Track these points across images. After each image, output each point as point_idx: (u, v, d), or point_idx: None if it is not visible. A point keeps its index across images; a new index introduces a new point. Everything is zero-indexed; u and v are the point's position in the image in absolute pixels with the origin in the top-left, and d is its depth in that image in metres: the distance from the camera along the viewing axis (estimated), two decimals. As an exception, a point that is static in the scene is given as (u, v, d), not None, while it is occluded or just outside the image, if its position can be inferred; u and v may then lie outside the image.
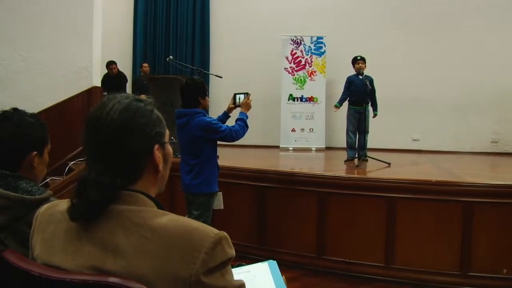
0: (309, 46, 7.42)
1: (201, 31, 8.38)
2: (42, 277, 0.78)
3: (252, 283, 1.15)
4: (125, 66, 8.06)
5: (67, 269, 0.80)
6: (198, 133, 2.82)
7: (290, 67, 7.44)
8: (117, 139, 0.84)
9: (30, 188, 1.28)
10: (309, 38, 7.42)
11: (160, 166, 0.91)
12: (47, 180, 4.89)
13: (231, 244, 0.82)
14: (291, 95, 7.39)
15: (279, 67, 7.47)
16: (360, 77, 5.11)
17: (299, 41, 7.44)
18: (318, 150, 7.11)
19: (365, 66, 5.20)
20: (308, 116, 7.31)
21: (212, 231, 0.80)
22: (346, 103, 5.30)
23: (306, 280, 3.28)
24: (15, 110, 1.37)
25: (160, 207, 0.88)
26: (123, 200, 0.83)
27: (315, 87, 7.34)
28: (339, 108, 5.29)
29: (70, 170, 5.35)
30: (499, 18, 6.87)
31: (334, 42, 7.34)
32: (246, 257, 3.40)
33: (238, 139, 2.94)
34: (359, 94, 5.04)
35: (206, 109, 3.02)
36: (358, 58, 5.20)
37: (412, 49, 7.23)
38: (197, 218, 2.77)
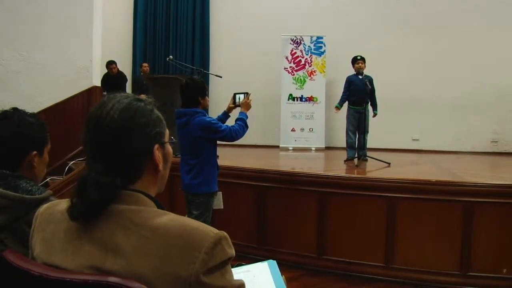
0: (309, 46, 7.42)
1: (201, 31, 8.38)
2: (42, 276, 0.78)
3: (252, 283, 1.15)
4: (125, 66, 8.06)
5: (67, 268, 0.80)
6: (198, 133, 2.82)
7: (290, 67, 7.44)
8: (117, 139, 0.84)
9: (30, 188, 1.28)
10: (309, 38, 7.42)
11: (160, 166, 0.91)
12: (47, 179, 4.89)
13: (231, 244, 0.82)
14: (291, 95, 7.39)
15: (279, 67, 7.47)
16: (360, 77, 5.11)
17: (299, 41, 7.44)
18: (318, 150, 7.11)
19: (365, 66, 5.20)
20: (308, 116, 7.31)
21: (212, 231, 0.80)
22: (346, 103, 5.30)
23: (306, 280, 3.28)
24: (15, 109, 1.37)
25: (160, 206, 0.88)
26: (123, 200, 0.83)
27: (315, 87, 7.34)
28: (339, 109, 5.29)
29: (70, 169, 5.35)
30: (499, 18, 6.87)
31: (334, 42, 7.34)
32: (246, 257, 3.40)
33: (238, 139, 2.94)
34: (359, 94, 5.04)
35: (206, 109, 3.02)
36: (358, 58, 5.20)
37: (412, 49, 7.23)
38: (197, 218, 2.77)
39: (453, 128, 7.11)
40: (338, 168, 4.66)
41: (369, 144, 5.26)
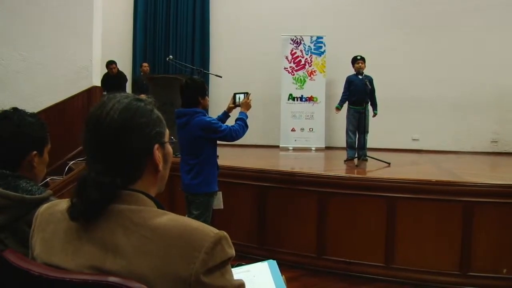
0: (309, 46, 7.42)
1: (201, 31, 8.38)
2: (42, 276, 0.78)
3: (252, 283, 1.15)
4: (125, 66, 8.06)
5: (67, 268, 0.80)
6: (198, 132, 2.82)
7: (290, 66, 7.44)
8: (117, 138, 0.84)
9: (30, 188, 1.28)
10: (309, 37, 7.42)
11: (160, 166, 0.91)
12: (47, 179, 4.89)
13: (231, 243, 0.82)
14: (291, 94, 7.39)
15: (279, 67, 7.47)
16: (360, 76, 5.11)
17: (299, 41, 7.44)
18: (318, 149, 7.11)
19: (365, 66, 5.20)
20: (308, 115, 7.31)
21: (212, 230, 0.80)
22: (346, 103, 5.29)
23: (306, 280, 3.28)
24: (15, 109, 1.37)
25: (160, 206, 0.88)
26: (123, 200, 0.83)
27: (315, 87, 7.34)
28: (340, 110, 5.29)
29: (70, 169, 5.35)
30: (499, 18, 6.87)
31: (334, 42, 7.34)
32: (246, 257, 3.40)
33: (238, 138, 2.93)
34: (359, 94, 5.04)
35: (206, 109, 3.02)
36: (358, 58, 5.20)
37: (412, 49, 7.23)
38: (197, 217, 2.77)
39: (453, 128, 7.11)
40: (338, 168, 4.66)
41: (369, 144, 5.26)
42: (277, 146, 7.30)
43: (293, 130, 7.31)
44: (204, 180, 2.88)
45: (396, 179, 3.39)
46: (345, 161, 5.01)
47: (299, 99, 7.38)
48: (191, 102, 2.87)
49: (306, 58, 7.42)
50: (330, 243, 3.46)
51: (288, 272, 3.02)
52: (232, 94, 3.17)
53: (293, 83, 7.41)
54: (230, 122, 3.05)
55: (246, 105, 3.06)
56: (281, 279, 1.20)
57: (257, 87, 7.07)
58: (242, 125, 2.95)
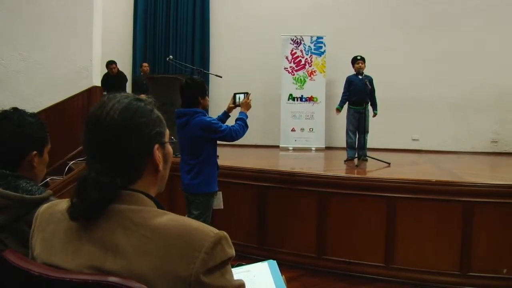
0: (309, 46, 7.42)
1: (201, 31, 8.38)
2: (42, 276, 0.78)
3: (252, 283, 1.15)
4: (125, 66, 8.06)
5: (67, 268, 0.80)
6: (198, 132, 2.82)
7: (290, 67, 7.44)
8: (117, 138, 0.84)
9: (30, 188, 1.28)
10: (309, 38, 7.42)
11: (160, 166, 0.91)
12: (47, 179, 4.89)
13: (231, 243, 0.82)
14: (291, 94, 7.39)
15: (279, 67, 7.47)
16: (360, 77, 5.11)
17: (299, 41, 7.44)
18: (318, 150, 7.11)
19: (365, 66, 5.20)
20: (308, 116, 7.31)
21: (212, 230, 0.80)
22: (346, 103, 5.29)
23: (306, 280, 3.28)
24: (15, 109, 1.37)
25: (160, 206, 0.88)
26: (123, 200, 0.83)
27: (315, 87, 7.34)
28: (340, 111, 5.29)
29: (70, 169, 5.35)
30: (499, 18, 6.87)
31: (334, 42, 7.35)
32: (246, 257, 3.40)
33: (238, 138, 2.94)
34: (359, 94, 5.04)
35: (206, 109, 3.02)
36: (358, 58, 5.20)
37: (412, 49, 7.23)
38: (197, 217, 2.77)
39: (453, 128, 7.11)
40: (338, 168, 4.66)
41: (369, 144, 5.26)
42: (277, 146, 7.30)
43: (293, 130, 7.31)
44: (204, 180, 2.88)
45: (396, 179, 3.39)
46: (345, 161, 5.01)
47: (299, 99, 7.38)
48: (191, 102, 2.87)
49: (306, 58, 7.42)
50: (330, 243, 3.46)
51: (288, 272, 3.02)
52: (232, 94, 3.17)
53: (293, 83, 7.41)
54: (230, 122, 3.05)
55: (246, 105, 3.06)
56: (281, 279, 1.20)
57: (257, 87, 7.08)
58: (242, 125, 2.95)
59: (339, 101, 5.32)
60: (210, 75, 6.63)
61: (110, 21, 7.48)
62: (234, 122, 2.98)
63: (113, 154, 0.84)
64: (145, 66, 7.66)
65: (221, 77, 4.89)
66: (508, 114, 6.89)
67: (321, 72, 7.37)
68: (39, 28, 5.94)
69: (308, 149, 7.12)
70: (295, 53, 7.44)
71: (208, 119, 2.87)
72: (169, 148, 0.96)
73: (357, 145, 5.16)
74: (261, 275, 1.22)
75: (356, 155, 4.99)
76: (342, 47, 7.09)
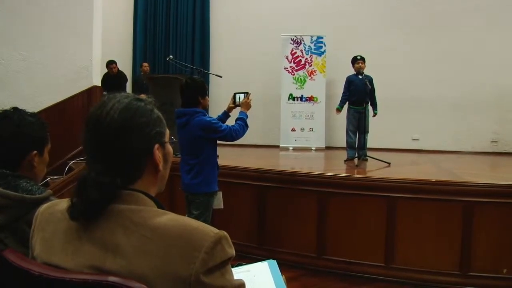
0: (309, 46, 7.42)
1: (201, 31, 8.38)
2: (42, 276, 0.78)
3: (252, 283, 1.15)
4: (125, 66, 8.06)
5: (67, 268, 0.80)
6: (198, 132, 2.82)
7: (290, 66, 7.44)
8: (117, 138, 0.84)
9: (30, 188, 1.28)
10: (309, 37, 7.42)
11: (160, 166, 0.91)
12: (47, 179, 4.90)
13: (231, 243, 0.82)
14: (291, 94, 7.39)
15: (279, 66, 7.47)
16: (360, 76, 5.11)
17: (299, 41, 7.44)
18: (318, 149, 7.11)
19: (365, 65, 5.20)
20: (308, 115, 7.31)
21: (212, 230, 0.80)
22: (346, 103, 5.29)
23: (306, 280, 3.28)
24: (15, 109, 1.37)
25: (160, 206, 0.88)
26: (123, 200, 0.83)
27: (315, 87, 7.34)
28: (340, 111, 5.28)
29: (70, 169, 5.36)
30: (499, 18, 6.87)
31: (334, 42, 7.34)
32: (246, 257, 3.40)
33: (238, 138, 2.94)
34: (359, 94, 5.04)
35: (206, 109, 3.02)
36: (358, 57, 5.20)
37: (412, 49, 7.23)
38: (197, 217, 2.77)
39: (453, 128, 7.11)
40: (338, 168, 4.66)
41: (369, 144, 5.26)
42: (277, 146, 7.30)
43: (293, 130, 7.31)
44: (204, 180, 2.88)
45: (396, 179, 3.39)
46: (345, 161, 5.01)
47: (299, 99, 7.38)
48: (191, 102, 2.87)
49: (306, 58, 7.41)
50: (330, 243, 3.46)
51: (288, 272, 3.02)
52: (232, 94, 3.17)
53: (293, 83, 7.41)
54: (230, 122, 3.05)
55: (246, 105, 3.06)
56: (281, 279, 1.20)
57: (257, 87, 7.08)
58: (242, 125, 2.95)
59: (339, 101, 5.32)
60: (210, 75, 6.63)
61: (110, 21, 7.48)
62: (234, 122, 2.98)
63: (113, 154, 0.84)
64: (145, 66, 7.66)
65: (221, 77, 4.89)
66: (508, 114, 6.89)
67: (321, 72, 7.37)
68: (39, 28, 5.94)
69: (308, 149, 7.12)
70: (295, 53, 7.44)
71: (208, 119, 2.87)
72: (169, 148, 0.96)
73: (357, 145, 5.16)
74: (261, 275, 1.22)
75: (356, 155, 4.99)
76: (342, 47, 7.09)
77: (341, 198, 3.45)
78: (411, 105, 7.23)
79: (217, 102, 7.16)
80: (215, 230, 0.81)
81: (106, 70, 6.86)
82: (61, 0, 6.00)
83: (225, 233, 0.82)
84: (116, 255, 0.77)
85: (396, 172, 4.11)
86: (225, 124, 2.97)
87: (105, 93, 6.22)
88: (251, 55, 7.94)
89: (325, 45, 7.36)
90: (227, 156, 4.94)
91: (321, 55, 7.38)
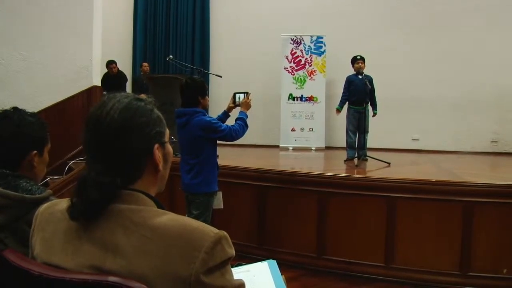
0: (309, 46, 7.42)
1: (201, 31, 8.38)
2: (42, 276, 0.78)
3: (251, 283, 1.15)
4: (125, 66, 8.06)
5: (67, 268, 0.80)
6: (198, 132, 2.82)
7: (290, 66, 7.44)
8: (117, 138, 0.84)
9: (30, 187, 1.28)
10: (309, 37, 7.42)
11: (160, 166, 0.91)
12: (47, 179, 4.90)
13: (231, 243, 0.82)
14: (291, 94, 7.39)
15: (279, 66, 7.47)
16: (360, 76, 5.11)
17: (299, 41, 7.44)
18: (318, 149, 7.11)
19: (365, 65, 5.20)
20: (308, 115, 7.31)
21: (212, 230, 0.80)
22: (345, 103, 5.29)
23: (306, 280, 3.28)
24: (15, 109, 1.37)
25: (160, 206, 0.88)
26: (123, 200, 0.83)
27: (315, 87, 7.34)
28: (340, 111, 5.28)
29: (70, 169, 5.36)
30: (499, 18, 6.87)
31: (334, 41, 7.34)
32: (246, 257, 3.40)
33: (238, 138, 2.94)
34: (359, 94, 5.04)
35: (206, 109, 3.02)
36: (358, 57, 5.19)
37: (412, 49, 7.23)
38: (197, 217, 2.77)
39: (453, 128, 7.11)
40: (338, 168, 4.66)
41: (369, 144, 5.26)
42: (277, 146, 7.30)
43: (293, 130, 7.31)
44: (204, 180, 2.88)
45: (396, 179, 3.39)
46: (345, 161, 5.01)
47: (299, 99, 7.38)
48: (191, 101, 2.87)
49: (306, 58, 7.41)
50: (330, 243, 3.46)
51: (288, 272, 3.02)
52: (232, 94, 3.17)
53: (293, 83, 7.41)
54: (230, 122, 3.05)
55: (246, 105, 3.06)
56: (281, 279, 1.20)
57: (257, 87, 7.08)
58: (242, 125, 2.95)
59: (339, 101, 5.32)
60: (210, 74, 6.63)
61: (110, 21, 7.48)
62: (234, 122, 2.98)
63: (113, 154, 0.84)
64: (145, 66, 7.66)
65: (221, 77, 4.89)
66: (508, 114, 6.89)
67: (321, 72, 7.37)
68: (39, 28, 5.94)
69: (308, 149, 7.12)
70: (295, 53, 7.44)
71: (208, 118, 2.87)
72: (169, 147, 0.96)
73: (357, 145, 5.16)
74: (261, 275, 1.22)
75: (356, 155, 4.99)
76: (342, 47, 7.08)
77: (341, 198, 3.45)
78: (411, 105, 7.23)
79: (217, 102, 7.16)
80: (215, 230, 0.81)
81: (106, 70, 6.86)
82: (61, 0, 6.00)
83: (225, 233, 0.82)
84: (116, 255, 0.77)
85: (396, 172, 4.11)
86: (225, 124, 2.97)
87: (105, 93, 6.22)
88: (251, 55, 7.94)
89: (325, 45, 7.36)
90: (227, 156, 4.94)
91: (321, 55, 7.38)
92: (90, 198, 0.80)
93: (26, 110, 1.40)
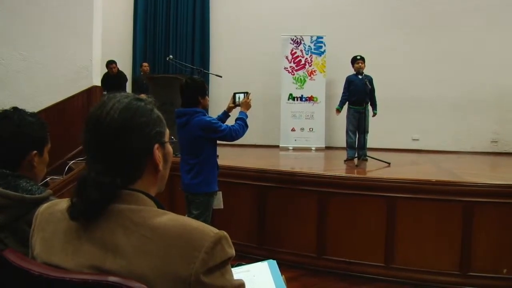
0: (309, 46, 7.42)
1: (201, 31, 8.38)
2: (42, 276, 0.77)
3: (251, 283, 1.15)
4: (125, 66, 8.06)
5: (67, 268, 0.80)
6: (198, 132, 2.82)
7: (290, 66, 7.44)
8: (117, 138, 0.84)
9: (30, 187, 1.28)
10: (309, 37, 7.42)
11: (160, 166, 0.91)
12: (47, 179, 4.90)
13: (231, 243, 0.82)
14: (291, 94, 7.39)
15: (279, 66, 7.47)
16: (360, 76, 5.11)
17: (299, 41, 7.44)
18: (318, 149, 7.11)
19: (365, 65, 5.20)
20: (308, 115, 7.31)
21: (212, 230, 0.80)
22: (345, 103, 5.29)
23: (306, 280, 3.28)
24: (15, 109, 1.37)
25: (160, 206, 0.88)
26: (123, 200, 0.83)
27: (315, 87, 7.34)
28: (340, 111, 5.28)
29: (70, 169, 5.36)
30: (499, 18, 6.87)
31: (334, 41, 7.34)
32: (246, 257, 3.40)
33: (238, 138, 2.94)
34: (359, 94, 5.04)
35: (206, 109, 3.02)
36: (358, 57, 5.19)
37: (412, 49, 7.23)
38: (197, 217, 2.77)
39: (453, 128, 7.11)
40: (338, 168, 4.66)
41: (369, 144, 5.26)
42: (277, 146, 7.30)
43: (293, 130, 7.31)
44: (204, 180, 2.88)
45: (396, 179, 3.39)
46: (345, 161, 5.01)
47: (299, 99, 7.38)
48: (191, 101, 2.87)
49: (306, 58, 7.41)
50: (330, 243, 3.46)
51: (288, 272, 3.02)
52: (232, 94, 3.17)
53: (293, 83, 7.41)
54: (230, 121, 3.05)
55: (246, 105, 3.06)
56: (281, 279, 1.20)
57: (257, 87, 7.08)
58: (242, 125, 2.95)
59: (339, 101, 5.32)
60: (210, 74, 6.63)
61: (110, 21, 7.48)
62: (234, 122, 2.98)
63: (113, 154, 0.84)
64: (145, 66, 7.66)
65: (221, 77, 4.89)
66: (508, 114, 6.89)
67: (321, 72, 7.37)
68: (39, 28, 5.94)
69: (308, 149, 7.12)
70: (295, 53, 7.44)
71: (208, 118, 2.87)
72: (169, 147, 0.96)
73: (357, 145, 5.16)
74: (261, 275, 1.22)
75: (356, 155, 4.99)
76: (342, 47, 7.08)
77: (341, 198, 3.45)
78: (411, 105, 7.23)
79: (217, 102, 7.16)
80: (215, 230, 0.81)
81: (106, 70, 6.86)
82: (61, 0, 6.00)
83: (225, 233, 0.82)
84: (116, 255, 0.77)
85: (396, 172, 4.11)
86: (225, 124, 2.97)
87: (105, 93, 6.22)
88: (251, 55, 7.94)
89: (325, 45, 7.36)
90: (227, 156, 4.94)
91: (321, 55, 7.38)
92: (90, 198, 0.80)
93: (26, 110, 1.40)
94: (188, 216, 2.81)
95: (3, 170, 1.29)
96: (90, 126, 0.86)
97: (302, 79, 7.39)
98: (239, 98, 3.12)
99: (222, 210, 3.15)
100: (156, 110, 0.93)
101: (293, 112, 7.33)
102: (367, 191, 3.38)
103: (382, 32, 7.32)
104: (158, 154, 0.90)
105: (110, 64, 6.88)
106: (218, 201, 3.03)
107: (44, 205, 0.94)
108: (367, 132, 5.14)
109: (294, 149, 7.16)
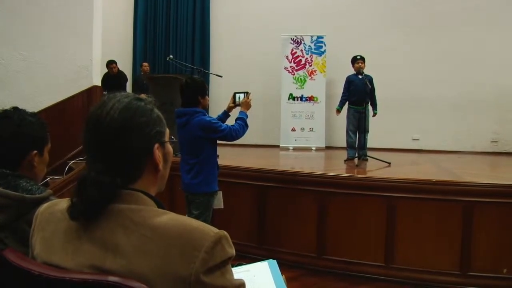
0: (309, 46, 7.42)
1: (201, 31, 8.38)
2: (42, 276, 0.77)
3: (252, 283, 1.15)
4: (125, 66, 8.06)
5: (67, 268, 0.80)
6: (198, 132, 2.82)
7: (290, 66, 7.44)
8: (117, 138, 0.84)
9: (30, 187, 1.27)
10: (309, 37, 7.42)
11: (160, 165, 0.91)
12: (47, 179, 4.90)
13: (231, 243, 0.82)
14: (291, 94, 7.39)
15: (279, 66, 7.47)
16: (360, 76, 5.11)
17: (299, 41, 7.44)
18: (318, 149, 7.11)
19: (365, 65, 5.19)
20: (308, 115, 7.31)
21: (212, 230, 0.80)
22: (345, 103, 5.29)
23: (306, 279, 3.28)
24: (15, 109, 1.37)
25: (160, 206, 0.88)
26: (123, 199, 0.83)
27: (315, 87, 7.34)
28: (340, 111, 5.28)
29: (70, 169, 5.36)
30: (499, 18, 6.87)
31: (334, 41, 7.34)
32: (246, 257, 3.40)
33: (238, 138, 2.94)
34: (359, 94, 5.04)
35: (206, 109, 3.02)
36: (358, 57, 5.19)
37: (412, 49, 7.23)
38: (197, 217, 2.77)
39: (453, 128, 7.12)
40: (338, 167, 4.66)
41: (369, 144, 5.26)
42: (277, 146, 7.30)
43: (293, 129, 7.31)
44: (204, 180, 2.88)
45: (396, 179, 3.39)
46: (345, 161, 5.01)
47: (299, 98, 7.38)
48: (191, 101, 2.87)
49: (307, 58, 7.42)
50: (330, 243, 3.46)
51: (288, 272, 3.02)
52: (232, 94, 3.17)
53: (293, 82, 7.41)
54: (230, 121, 3.05)
55: (246, 105, 3.06)
56: (281, 278, 1.20)
57: (257, 87, 7.08)
58: (242, 125, 2.95)
59: (339, 101, 5.32)
60: (210, 74, 6.64)
61: (110, 21, 7.48)
62: (234, 122, 2.98)
63: (113, 154, 0.84)
64: (145, 66, 7.66)
65: (221, 76, 4.89)
66: (508, 114, 6.89)
67: (321, 72, 7.37)
68: (39, 28, 5.94)
69: (308, 149, 7.12)
70: (295, 52, 7.44)
71: (208, 118, 2.87)
72: (169, 147, 0.96)
73: (357, 144, 5.16)
74: (261, 275, 1.22)
75: (356, 155, 4.99)
76: (342, 47, 7.09)
77: (341, 198, 3.45)
78: (411, 105, 7.23)
79: (217, 102, 7.17)
80: (215, 230, 0.81)
81: (106, 70, 6.86)
82: (61, 0, 6.00)
83: (225, 232, 0.81)
84: (116, 254, 0.77)
85: (396, 172, 4.11)
86: (225, 124, 2.97)
87: (105, 93, 6.22)
88: (251, 55, 7.94)
89: (325, 45, 7.36)
90: (227, 156, 4.94)
91: (321, 55, 7.38)
92: (90, 197, 0.80)
93: (26, 110, 1.40)
94: (188, 216, 2.81)
95: (3, 170, 1.28)
96: (90, 125, 0.86)
97: (302, 79, 7.39)
98: (239, 98, 3.12)
99: (222, 210, 3.15)
100: (156, 110, 0.93)
101: (293, 112, 7.33)
102: (367, 191, 3.38)
103: (382, 32, 7.32)
104: (158, 153, 0.90)
105: (110, 64, 6.88)
106: (218, 201, 3.03)
107: (44, 205, 0.94)
108: (367, 132, 5.14)
109: (294, 149, 7.16)
